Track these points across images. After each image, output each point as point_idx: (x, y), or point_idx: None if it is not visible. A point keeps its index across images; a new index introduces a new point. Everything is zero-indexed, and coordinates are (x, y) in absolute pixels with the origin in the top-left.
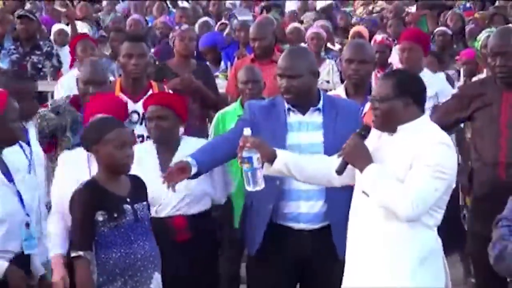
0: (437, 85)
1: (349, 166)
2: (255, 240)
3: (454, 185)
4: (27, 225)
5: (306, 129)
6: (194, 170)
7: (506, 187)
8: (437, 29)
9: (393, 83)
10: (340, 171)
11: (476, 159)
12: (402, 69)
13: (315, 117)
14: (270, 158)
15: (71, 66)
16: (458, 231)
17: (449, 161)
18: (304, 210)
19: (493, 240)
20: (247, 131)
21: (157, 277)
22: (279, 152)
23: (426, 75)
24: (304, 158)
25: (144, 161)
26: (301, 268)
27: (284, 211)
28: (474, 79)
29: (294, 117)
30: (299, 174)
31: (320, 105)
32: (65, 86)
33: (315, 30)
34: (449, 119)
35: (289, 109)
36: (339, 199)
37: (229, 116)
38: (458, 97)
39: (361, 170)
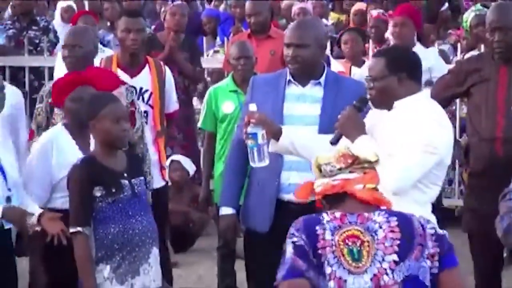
0: (430, 60)
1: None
2: (265, 217)
3: (448, 162)
4: (8, 199)
5: (304, 101)
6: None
7: (502, 162)
8: None
9: (386, 60)
10: (334, 142)
11: (473, 134)
12: (394, 45)
13: (315, 91)
14: (276, 135)
15: None
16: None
17: (440, 137)
18: (295, 181)
19: (500, 213)
20: (252, 107)
21: (155, 252)
22: (285, 129)
23: (418, 50)
24: (310, 136)
25: None
26: None
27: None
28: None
29: (294, 89)
30: (305, 152)
31: (322, 79)
32: (59, 64)
33: (301, 5)
34: (445, 94)
35: (289, 81)
36: None
37: (221, 91)
38: (455, 72)
39: (352, 141)
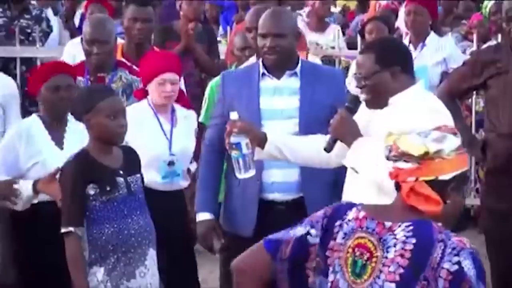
0: (446, 50)
1: (344, 145)
2: (248, 219)
3: None
4: None
5: (280, 93)
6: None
7: None
8: None
9: (376, 54)
10: (328, 148)
11: (490, 129)
12: (382, 38)
13: (291, 82)
14: (260, 142)
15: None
16: None
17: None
18: (278, 179)
19: None
20: (234, 115)
21: (152, 253)
22: (269, 135)
23: (433, 39)
24: (297, 139)
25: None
26: None
27: (263, 181)
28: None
29: (268, 82)
30: (293, 156)
31: (297, 69)
32: (66, 53)
33: None
34: (461, 87)
35: (263, 74)
36: (313, 169)
37: None
38: (470, 63)
39: (348, 146)
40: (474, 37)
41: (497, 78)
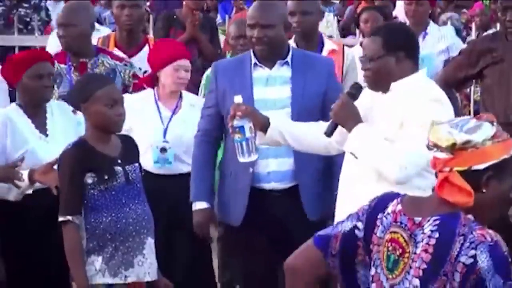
0: (447, 39)
1: (344, 131)
2: (237, 209)
3: None
4: None
5: (273, 83)
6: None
7: None
8: None
9: (382, 39)
10: (328, 132)
11: None
12: (389, 23)
13: (283, 71)
14: (263, 127)
15: None
16: None
17: (442, 119)
18: (274, 168)
19: None
20: (238, 99)
21: (150, 242)
22: (272, 119)
23: (433, 29)
24: (299, 125)
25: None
26: (278, 232)
27: (256, 171)
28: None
29: (260, 72)
30: (295, 142)
31: (288, 58)
32: (50, 44)
33: None
34: (457, 76)
35: (255, 64)
36: (307, 158)
37: None
38: (467, 52)
39: (349, 131)
40: (473, 26)
41: (492, 67)
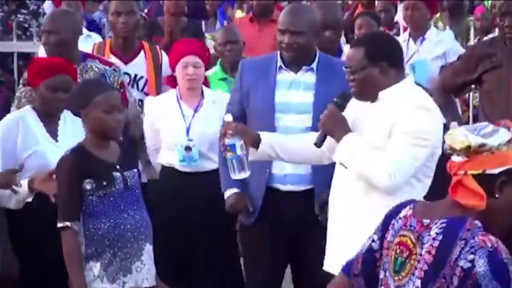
0: (445, 44)
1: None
2: (253, 207)
3: (439, 152)
4: None
5: (297, 88)
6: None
7: None
8: None
9: (364, 50)
10: (318, 143)
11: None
12: (371, 33)
13: (307, 77)
14: (254, 143)
15: None
16: None
17: (429, 127)
18: (289, 171)
19: None
20: (228, 117)
21: (148, 248)
22: (263, 135)
23: (432, 33)
24: (290, 138)
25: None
26: (290, 233)
27: (272, 172)
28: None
29: (285, 75)
30: (287, 156)
31: (314, 65)
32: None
33: None
34: (455, 81)
35: (280, 67)
36: None
37: (210, 80)
38: (465, 58)
39: (337, 141)
40: (471, 31)
41: (491, 73)
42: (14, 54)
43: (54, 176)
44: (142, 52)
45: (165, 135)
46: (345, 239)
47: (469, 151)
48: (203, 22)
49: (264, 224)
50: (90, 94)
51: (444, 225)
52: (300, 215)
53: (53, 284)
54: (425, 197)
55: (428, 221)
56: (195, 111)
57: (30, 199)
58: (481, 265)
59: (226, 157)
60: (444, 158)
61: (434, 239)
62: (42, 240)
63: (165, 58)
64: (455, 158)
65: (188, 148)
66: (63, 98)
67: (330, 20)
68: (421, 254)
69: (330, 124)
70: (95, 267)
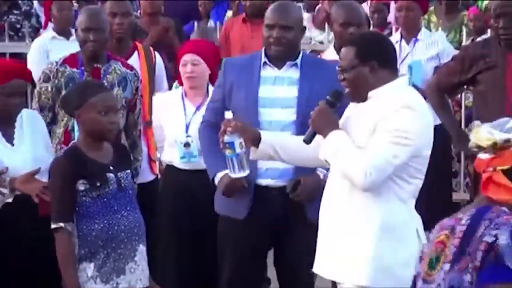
0: (438, 45)
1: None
2: (242, 203)
3: (428, 153)
4: None
5: (281, 83)
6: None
7: None
8: None
9: (355, 50)
10: (307, 139)
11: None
12: (363, 33)
13: (291, 72)
14: (255, 141)
15: (45, 27)
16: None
17: (412, 126)
18: (271, 165)
19: None
20: (228, 114)
21: (141, 249)
22: (263, 134)
23: (425, 34)
24: (291, 138)
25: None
26: (273, 230)
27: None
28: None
29: (269, 71)
30: (287, 156)
31: (298, 60)
32: (37, 49)
33: None
34: (450, 81)
35: (264, 63)
36: None
37: None
38: (459, 58)
39: (324, 138)
40: (464, 31)
41: (486, 73)
42: (6, 55)
43: (35, 176)
44: (136, 53)
45: (167, 132)
46: (332, 241)
47: (496, 148)
48: (195, 23)
49: (252, 220)
50: (85, 94)
51: (473, 213)
52: (287, 212)
53: (45, 286)
54: (425, 197)
55: (461, 215)
56: (197, 108)
57: (10, 200)
58: (504, 238)
59: (225, 155)
60: (444, 157)
61: (462, 225)
62: (20, 240)
63: (158, 58)
64: (482, 156)
65: (187, 145)
66: (19, 103)
67: (353, 17)
68: (452, 244)
69: (319, 121)
70: (89, 268)
